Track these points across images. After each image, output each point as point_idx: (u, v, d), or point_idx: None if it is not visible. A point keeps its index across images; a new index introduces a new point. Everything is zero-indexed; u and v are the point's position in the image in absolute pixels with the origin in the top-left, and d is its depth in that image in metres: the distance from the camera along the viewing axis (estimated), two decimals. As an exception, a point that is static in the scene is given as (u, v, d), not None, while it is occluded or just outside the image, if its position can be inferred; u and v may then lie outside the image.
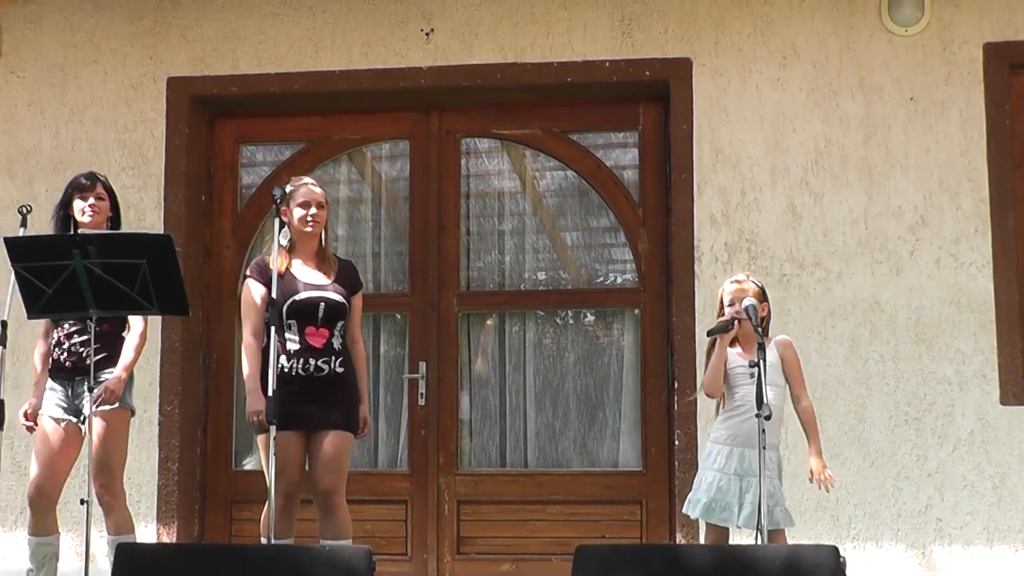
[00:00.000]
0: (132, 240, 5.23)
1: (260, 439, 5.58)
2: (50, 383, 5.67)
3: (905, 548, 6.65)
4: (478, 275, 7.50)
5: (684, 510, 5.56)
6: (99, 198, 5.78)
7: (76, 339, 5.62)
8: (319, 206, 5.72)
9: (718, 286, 6.80)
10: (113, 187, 5.93)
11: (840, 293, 6.82)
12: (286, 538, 5.50)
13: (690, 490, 5.56)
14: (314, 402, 5.54)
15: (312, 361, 5.57)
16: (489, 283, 7.50)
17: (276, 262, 5.54)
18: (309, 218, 5.70)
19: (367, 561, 4.29)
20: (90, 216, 5.72)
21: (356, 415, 5.71)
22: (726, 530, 5.44)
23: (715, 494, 5.37)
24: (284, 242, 5.69)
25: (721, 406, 5.56)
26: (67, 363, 5.61)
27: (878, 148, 6.90)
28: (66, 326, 5.64)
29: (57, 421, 5.61)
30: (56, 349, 5.66)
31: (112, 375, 5.54)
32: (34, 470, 5.61)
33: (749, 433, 5.19)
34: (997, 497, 6.63)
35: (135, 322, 5.70)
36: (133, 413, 5.71)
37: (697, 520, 5.86)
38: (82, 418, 5.57)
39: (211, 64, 7.35)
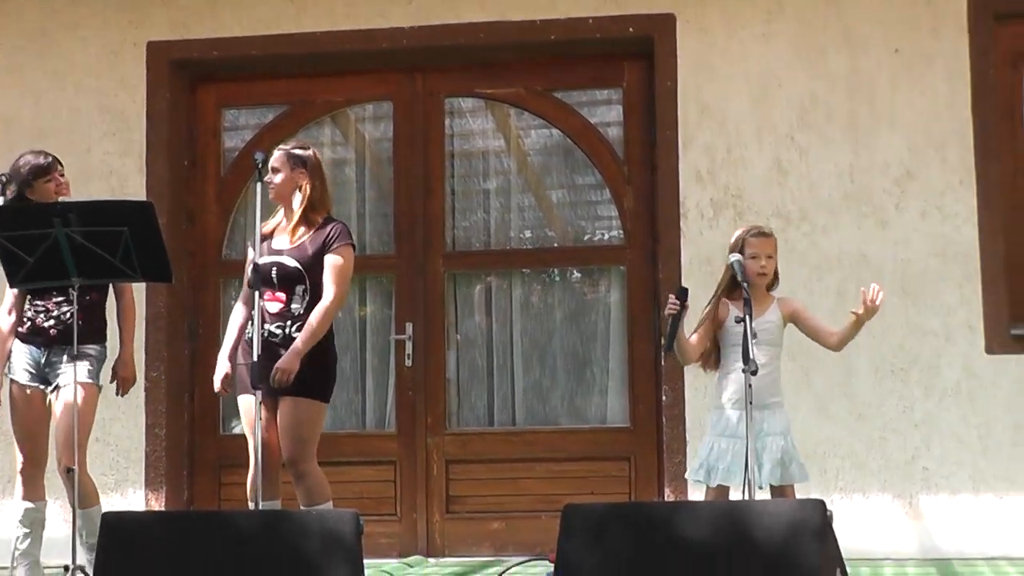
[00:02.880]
0: (113, 207, 5.20)
1: (239, 404, 5.58)
2: (19, 345, 5.62)
3: (892, 498, 6.68)
4: (464, 235, 7.48)
5: (695, 477, 5.32)
6: (62, 175, 5.69)
7: (65, 308, 5.57)
8: (272, 170, 5.58)
9: (704, 242, 6.83)
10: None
11: (826, 247, 6.81)
12: (272, 499, 5.47)
13: (692, 455, 5.42)
14: (271, 368, 5.43)
15: (266, 327, 5.46)
16: (475, 242, 7.49)
17: (258, 226, 5.50)
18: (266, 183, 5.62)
19: (355, 524, 4.29)
20: (64, 194, 5.64)
21: (319, 380, 5.48)
22: (727, 489, 5.32)
23: (733, 459, 5.20)
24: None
25: (711, 365, 5.44)
26: (52, 331, 5.57)
27: (864, 103, 6.87)
28: (54, 294, 5.60)
29: (24, 387, 5.58)
30: (41, 315, 5.61)
31: (121, 360, 5.63)
32: (18, 437, 5.59)
33: (755, 391, 5.07)
34: (983, 446, 6.66)
35: (124, 293, 5.70)
36: (100, 389, 5.68)
37: (686, 478, 5.78)
38: (51, 388, 5.55)
39: (192, 28, 7.29)
